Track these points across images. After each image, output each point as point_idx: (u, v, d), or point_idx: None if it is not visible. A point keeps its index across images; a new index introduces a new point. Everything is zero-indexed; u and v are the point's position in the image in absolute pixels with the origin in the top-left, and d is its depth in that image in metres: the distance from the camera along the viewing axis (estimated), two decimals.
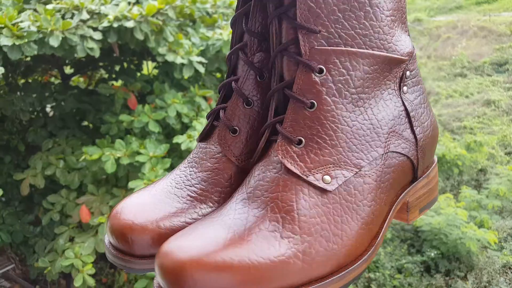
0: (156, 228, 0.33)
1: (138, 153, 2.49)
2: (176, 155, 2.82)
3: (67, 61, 3.34)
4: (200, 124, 2.54)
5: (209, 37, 2.83)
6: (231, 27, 0.39)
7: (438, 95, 8.81)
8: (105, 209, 2.60)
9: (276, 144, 0.32)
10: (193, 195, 0.36)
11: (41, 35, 2.07)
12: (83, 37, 2.15)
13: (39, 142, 2.99)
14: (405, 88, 0.37)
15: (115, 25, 2.16)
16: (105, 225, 2.50)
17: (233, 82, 0.37)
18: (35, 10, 2.30)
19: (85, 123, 3.40)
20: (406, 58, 0.36)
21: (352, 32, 0.32)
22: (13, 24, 2.07)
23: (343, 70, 0.32)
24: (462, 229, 4.85)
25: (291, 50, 0.32)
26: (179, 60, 2.42)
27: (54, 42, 2.04)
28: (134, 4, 2.26)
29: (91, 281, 2.38)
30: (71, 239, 2.68)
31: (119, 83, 3.23)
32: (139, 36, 2.19)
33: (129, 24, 2.15)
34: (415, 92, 0.38)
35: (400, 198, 0.37)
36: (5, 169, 3.18)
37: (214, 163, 0.37)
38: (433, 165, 0.41)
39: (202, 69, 2.55)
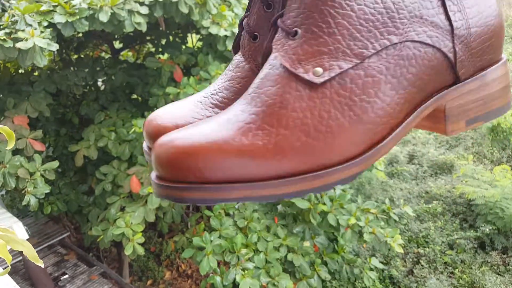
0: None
1: None
2: None
3: (116, 36, 3.42)
4: None
5: None
6: None
7: None
8: None
9: (273, 40, 0.30)
10: (215, 102, 0.37)
11: (91, 12, 2.12)
12: (130, 12, 2.18)
13: (92, 115, 3.12)
14: None
15: None
16: (153, 195, 2.59)
17: None
18: None
19: (134, 96, 3.50)
20: None
21: None
22: (66, 2, 2.13)
23: None
24: None
25: None
26: (222, 33, 2.40)
27: (103, 17, 2.08)
28: None
29: (140, 250, 2.48)
30: (122, 209, 2.81)
31: (165, 56, 3.28)
32: (184, 9, 2.19)
33: None
34: None
35: (430, 101, 0.30)
36: (60, 141, 3.36)
37: (237, 72, 0.38)
38: (498, 63, 0.32)
39: None
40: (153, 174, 0.29)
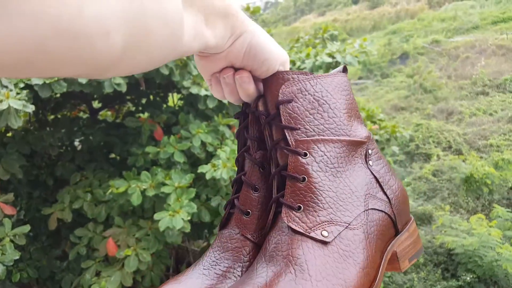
0: None
1: (164, 184, 2.50)
2: (201, 184, 2.82)
3: (95, 96, 3.43)
4: (224, 153, 2.54)
5: None
6: (236, 138, 0.52)
7: (461, 114, 8.65)
8: (131, 241, 2.59)
9: (281, 213, 0.42)
10: (219, 272, 0.43)
11: None
12: None
13: (67, 176, 3.04)
14: (370, 162, 0.47)
15: None
16: (130, 258, 2.49)
17: (242, 176, 0.48)
18: None
19: (112, 155, 3.45)
20: (365, 140, 0.47)
21: (322, 126, 0.44)
22: None
23: (321, 152, 0.43)
24: (497, 250, 4.64)
25: (281, 144, 0.45)
26: (203, 92, 2.46)
27: (82, 79, 2.10)
28: None
29: None
30: (98, 274, 2.67)
31: (145, 115, 3.29)
32: (164, 71, 2.24)
33: None
34: (380, 164, 0.48)
35: (389, 248, 0.46)
36: (33, 204, 3.23)
37: (234, 243, 0.45)
38: (411, 221, 0.51)
39: (225, 100, 2.57)
40: None
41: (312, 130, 0.44)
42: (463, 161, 6.72)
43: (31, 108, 2.16)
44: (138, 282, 2.90)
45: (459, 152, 7.37)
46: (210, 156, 2.77)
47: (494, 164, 6.57)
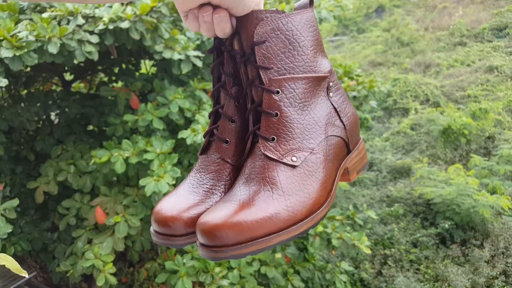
0: (188, 215, 0.49)
1: (146, 151, 2.52)
2: (182, 150, 2.85)
3: (66, 68, 3.37)
4: (203, 117, 2.57)
5: None
6: (211, 73, 0.56)
7: (439, 66, 8.73)
8: (119, 209, 2.64)
9: (258, 143, 0.49)
10: (206, 190, 0.52)
11: (39, 44, 2.10)
12: (80, 42, 2.17)
13: (47, 150, 3.04)
14: (331, 94, 0.55)
15: (111, 26, 2.18)
16: (120, 224, 2.55)
17: (219, 109, 0.54)
18: (31, 19, 2.32)
19: (91, 127, 3.44)
20: (328, 74, 0.54)
21: (292, 64, 0.50)
22: (12, 36, 2.10)
23: (291, 89, 0.50)
24: (474, 197, 4.82)
25: (256, 82, 0.50)
26: (176, 56, 2.44)
27: (53, 49, 2.07)
28: (127, 4, 2.28)
29: (113, 280, 2.43)
30: (89, 241, 2.74)
31: (119, 84, 3.26)
32: (135, 36, 2.21)
33: (124, 24, 2.17)
34: (338, 95, 0.56)
35: (342, 165, 0.55)
36: (17, 180, 3.23)
37: (216, 166, 0.53)
38: (360, 140, 0.60)
39: (199, 63, 2.56)
40: (198, 242, 0.45)
41: (283, 69, 0.49)
42: (441, 113, 6.85)
43: (4, 82, 2.13)
44: (129, 247, 2.98)
45: (437, 105, 7.50)
46: (189, 122, 2.79)
47: (472, 115, 6.72)
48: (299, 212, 0.45)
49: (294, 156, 0.48)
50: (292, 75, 0.50)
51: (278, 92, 0.49)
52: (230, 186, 0.52)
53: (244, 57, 0.50)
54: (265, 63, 0.49)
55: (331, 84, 0.55)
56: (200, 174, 0.53)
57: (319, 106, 0.52)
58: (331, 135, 0.53)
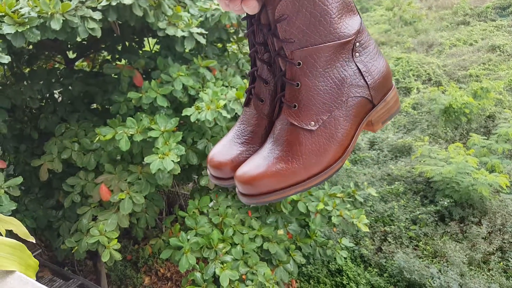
0: (232, 162, 0.58)
1: (150, 129, 2.54)
2: (186, 128, 2.86)
3: (69, 46, 3.35)
4: (207, 95, 2.57)
5: (207, 9, 2.81)
6: (246, 38, 0.61)
7: (441, 45, 8.66)
8: (123, 186, 2.67)
9: (282, 109, 0.55)
10: (247, 141, 0.60)
11: (42, 20, 2.08)
12: (83, 18, 2.16)
13: (51, 128, 3.05)
14: (357, 54, 0.56)
15: (114, 3, 2.16)
16: (125, 201, 2.59)
17: (255, 72, 0.61)
18: None
19: (94, 105, 3.44)
20: (353, 37, 0.54)
21: (315, 36, 0.52)
22: (13, 12, 2.08)
23: (312, 60, 0.53)
24: (473, 175, 4.87)
25: (281, 53, 0.53)
26: (179, 33, 2.43)
27: (55, 25, 2.05)
28: None
29: (118, 256, 2.47)
30: (94, 218, 2.77)
31: (122, 62, 3.25)
32: (138, 12, 2.20)
33: (127, 1, 2.15)
34: (365, 54, 0.57)
35: (364, 119, 0.58)
36: (21, 158, 3.25)
37: (255, 121, 0.61)
38: (391, 90, 0.61)
39: (203, 40, 2.55)
40: (237, 191, 0.54)
41: (305, 41, 0.52)
42: (443, 92, 6.84)
43: (7, 59, 2.11)
44: (134, 224, 3.03)
45: (439, 84, 7.47)
46: (192, 101, 2.79)
47: (473, 94, 6.71)
48: (315, 167, 0.53)
49: (313, 121, 0.53)
50: (315, 46, 0.52)
51: (299, 64, 0.52)
52: (266, 138, 0.59)
53: (270, 31, 0.53)
54: (288, 37, 0.51)
55: (357, 44, 0.55)
56: (243, 126, 0.62)
57: (342, 69, 0.54)
58: (352, 96, 0.55)
